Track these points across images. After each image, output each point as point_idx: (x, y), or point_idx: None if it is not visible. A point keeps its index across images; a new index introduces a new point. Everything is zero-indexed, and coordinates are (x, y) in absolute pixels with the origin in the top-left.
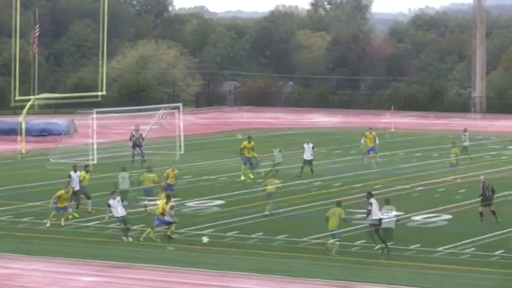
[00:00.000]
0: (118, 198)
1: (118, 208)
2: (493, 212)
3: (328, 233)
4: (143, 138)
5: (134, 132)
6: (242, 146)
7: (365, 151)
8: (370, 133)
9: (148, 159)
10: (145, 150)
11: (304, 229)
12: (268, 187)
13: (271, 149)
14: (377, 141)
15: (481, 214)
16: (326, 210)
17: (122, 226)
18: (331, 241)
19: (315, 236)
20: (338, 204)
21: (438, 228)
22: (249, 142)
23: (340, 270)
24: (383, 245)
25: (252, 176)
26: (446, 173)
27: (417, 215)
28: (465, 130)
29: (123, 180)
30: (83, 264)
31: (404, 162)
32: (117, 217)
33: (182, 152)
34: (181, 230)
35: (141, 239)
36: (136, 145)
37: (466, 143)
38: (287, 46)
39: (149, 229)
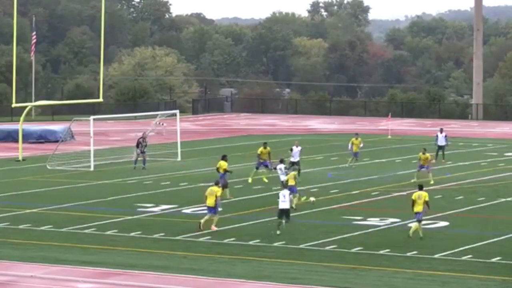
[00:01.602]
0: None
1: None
2: None
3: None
4: (145, 145)
5: (141, 140)
6: (259, 152)
7: (351, 156)
8: (356, 139)
9: (146, 166)
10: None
11: (301, 235)
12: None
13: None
14: (360, 146)
15: None
16: (323, 216)
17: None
18: (414, 223)
19: (312, 243)
20: (421, 187)
21: (435, 234)
22: (265, 148)
23: (335, 276)
24: None
25: (266, 180)
26: (443, 179)
27: (414, 221)
28: (441, 131)
29: (281, 171)
30: (80, 271)
31: (401, 169)
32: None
33: (179, 159)
34: (178, 237)
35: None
36: (141, 151)
37: (442, 143)
38: (284, 53)
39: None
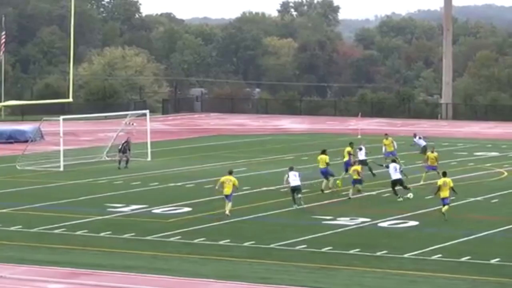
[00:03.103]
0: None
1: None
2: None
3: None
4: (129, 149)
5: (125, 144)
6: (346, 151)
7: (384, 156)
8: (387, 139)
9: (116, 166)
10: (113, 157)
11: (271, 235)
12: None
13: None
14: (395, 145)
15: None
16: (293, 215)
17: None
18: (445, 207)
19: (282, 243)
20: (444, 174)
21: (405, 234)
22: (351, 147)
23: (305, 276)
24: None
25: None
26: (413, 179)
27: (384, 221)
28: (415, 135)
29: (295, 177)
30: (49, 271)
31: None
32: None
33: (149, 159)
34: (147, 237)
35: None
36: (123, 151)
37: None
38: (254, 52)
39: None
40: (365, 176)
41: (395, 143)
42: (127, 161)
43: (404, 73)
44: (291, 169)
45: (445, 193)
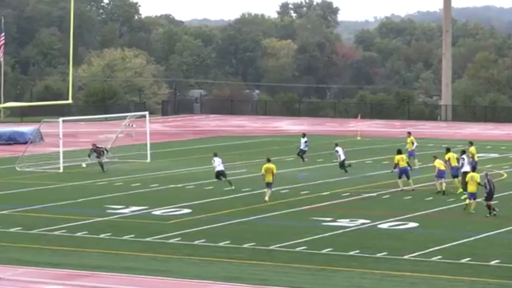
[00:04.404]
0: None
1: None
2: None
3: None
4: (103, 151)
5: (94, 147)
6: (447, 158)
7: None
8: (409, 137)
9: (116, 167)
10: (112, 158)
11: (271, 236)
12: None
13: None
14: (414, 145)
15: (488, 207)
16: (293, 217)
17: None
18: (473, 202)
19: (282, 244)
20: (474, 169)
21: (405, 235)
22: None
23: (305, 278)
24: None
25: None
26: (412, 180)
27: (384, 222)
28: (304, 135)
29: (219, 163)
30: (49, 273)
31: (371, 170)
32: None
33: (148, 160)
34: (147, 239)
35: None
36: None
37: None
38: (254, 54)
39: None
40: (368, 177)
41: (415, 142)
42: (102, 165)
43: (403, 75)
44: (215, 155)
45: (471, 188)
